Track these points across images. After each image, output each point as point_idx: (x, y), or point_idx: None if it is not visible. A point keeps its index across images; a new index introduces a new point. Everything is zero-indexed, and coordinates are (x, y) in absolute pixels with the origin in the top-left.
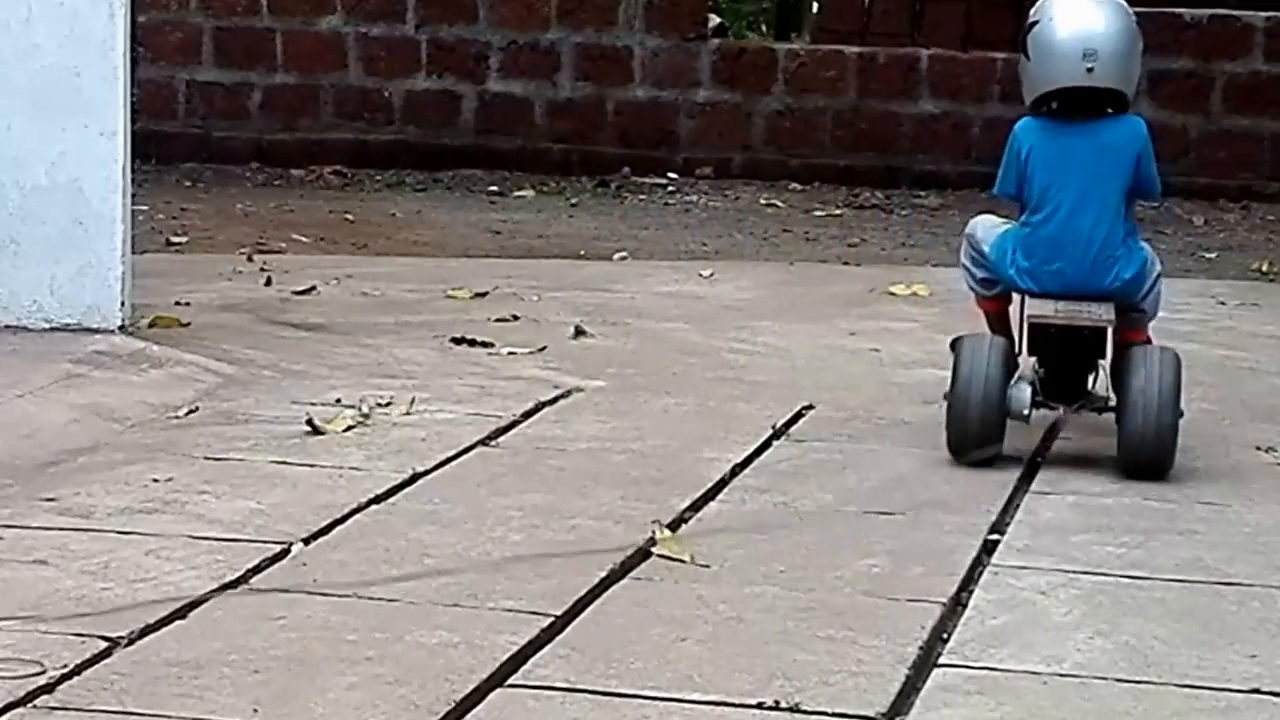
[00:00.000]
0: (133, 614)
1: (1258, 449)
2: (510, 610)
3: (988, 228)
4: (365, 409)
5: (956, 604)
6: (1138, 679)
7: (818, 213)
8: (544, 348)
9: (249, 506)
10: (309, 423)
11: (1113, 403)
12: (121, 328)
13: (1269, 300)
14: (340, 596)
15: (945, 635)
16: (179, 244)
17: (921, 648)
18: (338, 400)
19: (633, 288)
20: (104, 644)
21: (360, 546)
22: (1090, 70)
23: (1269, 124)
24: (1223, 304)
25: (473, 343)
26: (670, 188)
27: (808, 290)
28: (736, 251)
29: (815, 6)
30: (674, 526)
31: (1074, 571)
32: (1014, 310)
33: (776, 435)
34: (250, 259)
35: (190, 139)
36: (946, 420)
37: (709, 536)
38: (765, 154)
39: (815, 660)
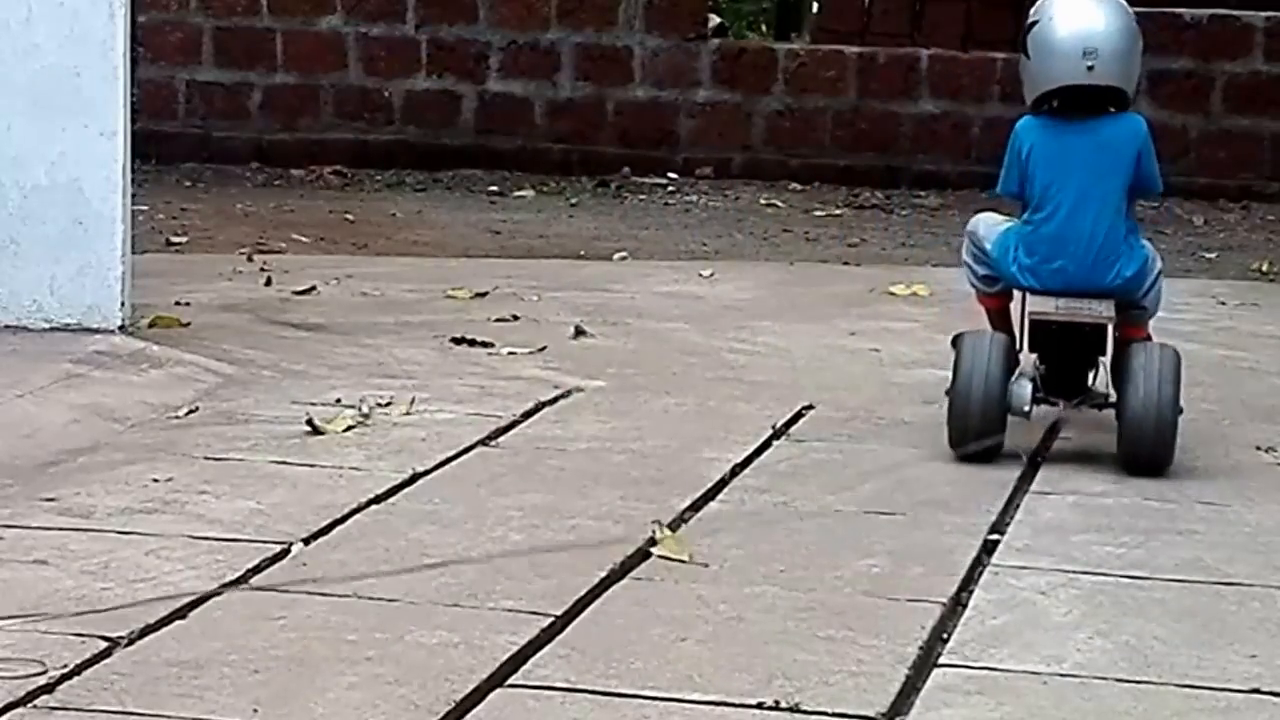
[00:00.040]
0: (133, 614)
1: (1258, 449)
2: (510, 610)
3: (990, 225)
4: (365, 409)
5: (956, 604)
6: (1138, 679)
7: (818, 213)
8: (544, 348)
9: (249, 506)
10: (309, 423)
11: (1113, 399)
12: (121, 328)
13: (1269, 300)
14: (340, 596)
15: (945, 635)
16: (179, 244)
17: (921, 648)
18: (338, 400)
19: (633, 288)
20: (104, 644)
21: (360, 546)
22: (1090, 68)
23: (1269, 124)
24: (1223, 304)
25: (473, 343)
26: (670, 188)
27: (808, 290)
28: (736, 251)
29: (815, 6)
30: (674, 526)
31: (1074, 571)
32: (1015, 307)
33: (776, 435)
34: (250, 259)
35: (190, 139)
36: (948, 416)
37: (709, 536)
38: (765, 154)
39: (815, 660)
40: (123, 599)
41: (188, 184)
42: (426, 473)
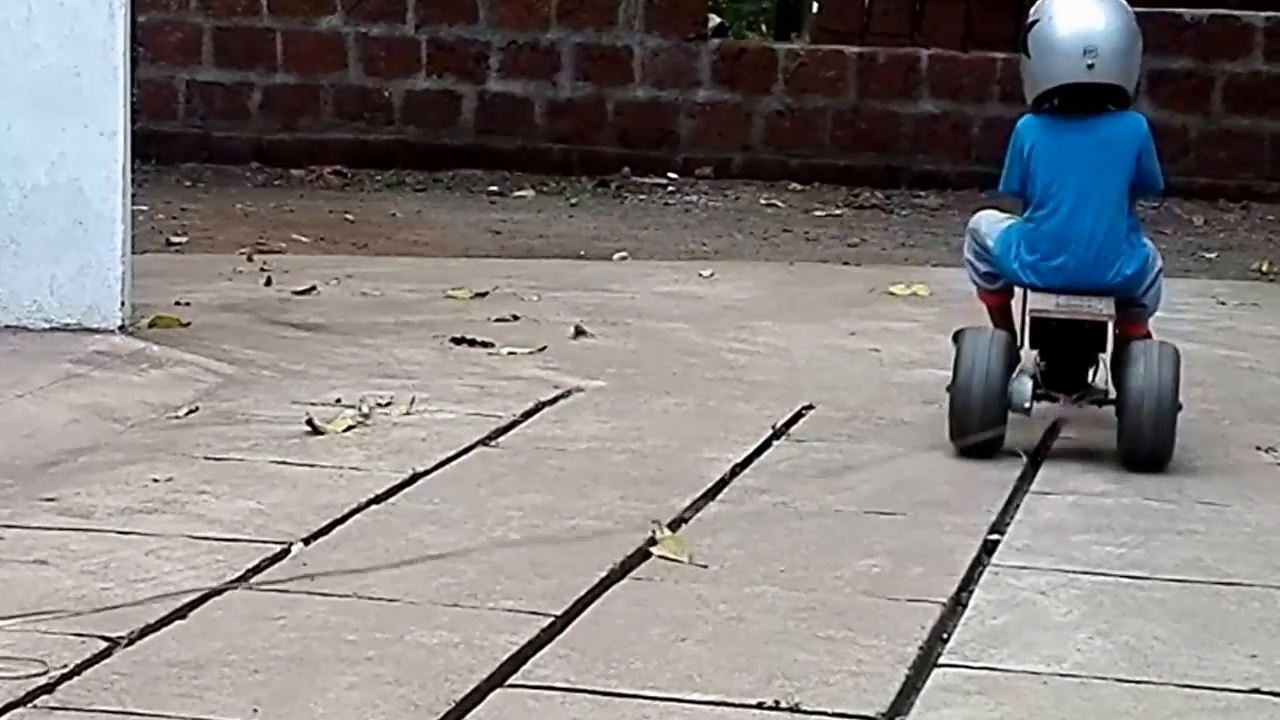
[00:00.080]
0: (133, 614)
1: (1258, 449)
2: (510, 610)
3: (991, 223)
4: (365, 409)
5: (956, 604)
6: (1138, 679)
7: (818, 213)
8: (544, 348)
9: (249, 506)
10: (309, 423)
11: (1113, 395)
12: (121, 328)
13: (1269, 300)
14: (340, 596)
15: (945, 635)
16: (179, 244)
17: (921, 648)
18: (338, 400)
19: (633, 288)
20: (104, 644)
21: (360, 546)
22: (1091, 67)
23: (1269, 124)
24: (1223, 304)
25: (473, 343)
26: (670, 188)
27: (808, 290)
28: (736, 251)
29: (815, 6)
30: (674, 526)
31: (1074, 571)
32: (1016, 304)
33: (776, 435)
34: (250, 259)
35: (190, 139)
36: (949, 412)
37: (709, 536)
38: (765, 154)
39: (815, 660)
40: (123, 599)
41: (188, 184)
42: (426, 473)
